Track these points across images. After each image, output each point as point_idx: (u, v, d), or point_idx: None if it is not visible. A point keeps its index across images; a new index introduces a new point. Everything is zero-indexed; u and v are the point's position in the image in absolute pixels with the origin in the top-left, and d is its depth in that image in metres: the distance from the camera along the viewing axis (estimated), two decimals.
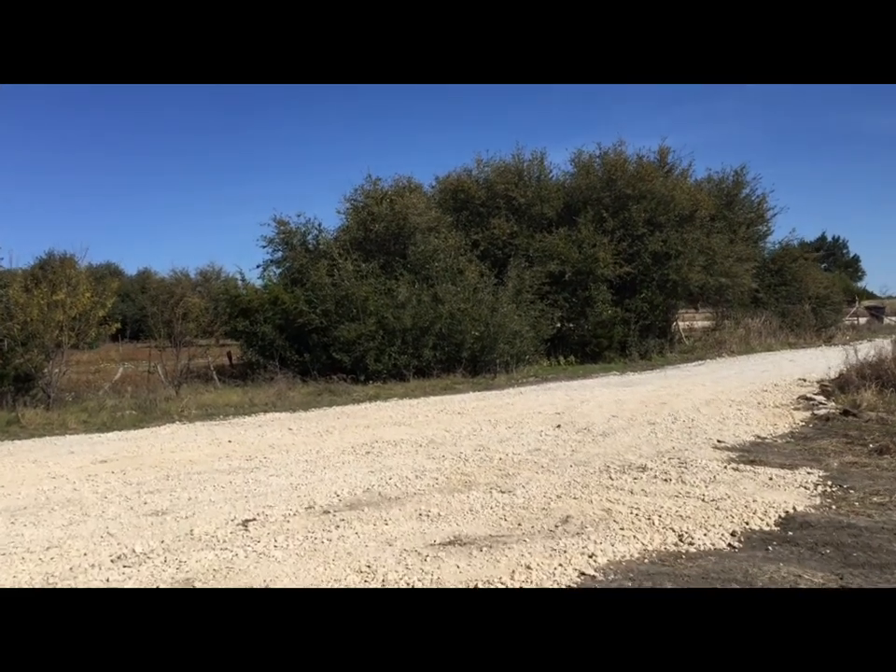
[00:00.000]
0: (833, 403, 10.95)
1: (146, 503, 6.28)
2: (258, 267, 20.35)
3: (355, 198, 20.25)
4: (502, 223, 22.43)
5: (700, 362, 21.56)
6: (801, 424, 9.53)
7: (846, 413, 9.88)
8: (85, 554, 4.86)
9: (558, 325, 20.70)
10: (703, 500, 5.62)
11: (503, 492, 6.14)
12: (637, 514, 5.27)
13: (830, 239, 68.30)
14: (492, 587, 4.03)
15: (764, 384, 14.57)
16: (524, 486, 6.31)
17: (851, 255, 71.01)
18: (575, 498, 5.79)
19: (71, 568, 4.60)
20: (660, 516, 5.19)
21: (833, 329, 28.13)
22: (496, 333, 17.89)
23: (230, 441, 9.61)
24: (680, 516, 5.18)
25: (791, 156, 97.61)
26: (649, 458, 7.41)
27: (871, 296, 46.22)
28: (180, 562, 4.62)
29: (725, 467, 6.84)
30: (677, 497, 5.76)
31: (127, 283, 50.38)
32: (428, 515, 5.52)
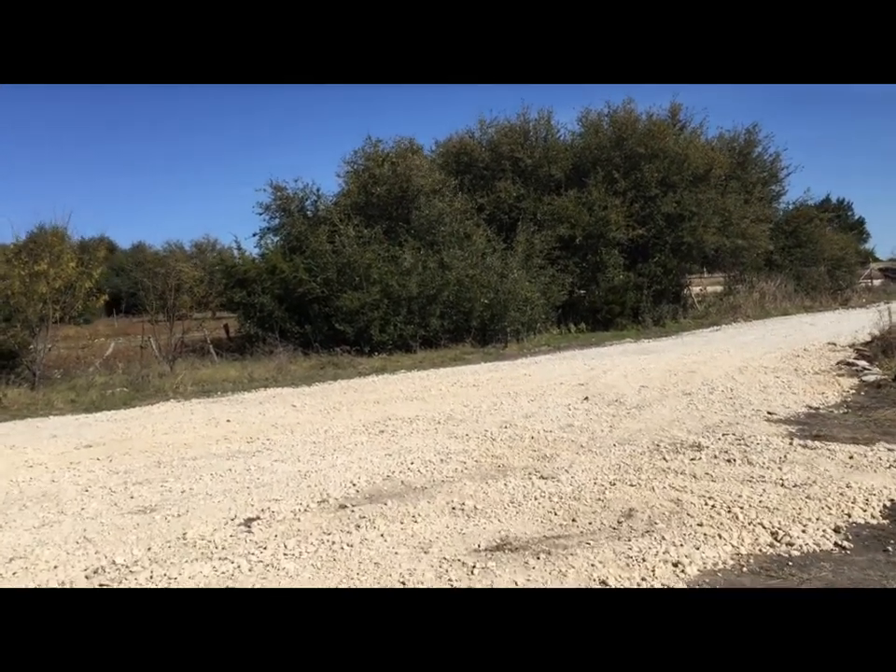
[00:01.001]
0: (879, 369, 10.13)
1: (132, 497, 5.45)
2: (254, 235, 19.42)
3: (355, 161, 19.27)
4: (508, 186, 21.46)
5: (716, 328, 20.70)
6: (851, 392, 8.70)
7: None
8: (55, 567, 4.03)
9: (569, 291, 19.78)
10: (783, 486, 4.79)
11: (545, 478, 5.31)
12: (712, 506, 4.44)
13: (834, 201, 67.18)
14: (493, 587, 3.64)
15: (793, 349, 13.72)
16: (567, 471, 5.48)
17: (856, 217, 69.89)
18: (632, 485, 4.96)
19: (36, 587, 3.78)
20: (741, 508, 4.36)
21: (849, 291, 27.25)
22: (506, 300, 17.03)
23: (228, 421, 8.78)
24: (766, 507, 4.35)
25: (794, 117, 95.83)
26: (699, 434, 6.59)
27: (876, 259, 45.31)
28: (169, 578, 3.79)
29: (791, 443, 6.01)
30: (751, 481, 4.93)
31: (121, 257, 49.36)
32: (463, 509, 4.69)
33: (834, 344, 14.10)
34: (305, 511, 4.87)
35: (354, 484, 5.45)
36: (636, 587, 3.55)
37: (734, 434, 6.47)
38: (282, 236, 19.04)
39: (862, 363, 10.66)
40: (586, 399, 9.13)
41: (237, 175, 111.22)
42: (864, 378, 9.48)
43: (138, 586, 3.73)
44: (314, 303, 16.63)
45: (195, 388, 12.33)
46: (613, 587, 3.55)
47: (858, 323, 18.85)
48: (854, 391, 8.75)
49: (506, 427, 7.46)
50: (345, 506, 4.91)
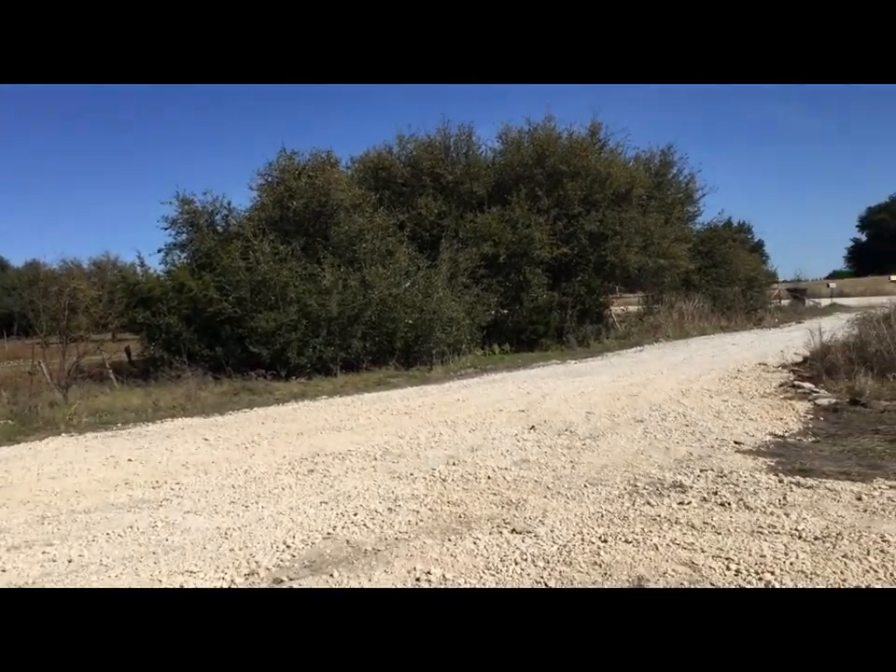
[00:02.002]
0: (826, 391, 9.78)
1: (3, 571, 4.34)
2: (159, 251, 18.01)
3: (269, 173, 18.15)
4: (429, 202, 20.76)
5: (639, 348, 20.41)
6: (809, 417, 8.24)
7: (854, 402, 8.67)
8: None
9: (494, 311, 19.13)
10: (803, 539, 4.10)
11: (519, 532, 4.48)
12: (736, 571, 3.68)
13: (735, 224, 69.38)
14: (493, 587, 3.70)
15: (726, 370, 13.40)
16: (542, 522, 4.67)
17: (756, 240, 72.33)
18: (628, 542, 4.18)
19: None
20: (773, 574, 3.63)
21: (762, 311, 27.63)
22: (431, 321, 16.23)
23: (130, 461, 7.63)
24: (802, 573, 3.63)
25: (697, 143, 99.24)
26: (673, 470, 5.90)
27: (779, 281, 46.65)
28: None
29: (780, 480, 5.37)
30: (762, 533, 4.22)
31: (13, 275, 46.36)
32: (430, 581, 3.81)
33: (766, 365, 13.86)
34: (230, 586, 3.90)
35: (288, 546, 4.49)
36: (636, 587, 3.48)
37: (712, 470, 5.81)
38: (190, 252, 17.74)
39: (808, 385, 10.30)
40: (533, 428, 8.39)
41: (142, 190, 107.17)
42: (817, 402, 9.06)
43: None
44: (225, 324, 15.43)
45: (92, 420, 11.00)
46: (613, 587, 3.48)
47: (779, 343, 18.88)
48: (811, 416, 8.29)
49: (454, 464, 6.61)
50: (281, 579, 3.96)
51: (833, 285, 41.29)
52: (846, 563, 3.69)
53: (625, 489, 5.37)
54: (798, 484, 5.22)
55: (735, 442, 6.96)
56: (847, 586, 3.45)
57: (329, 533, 4.72)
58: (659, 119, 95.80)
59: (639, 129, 75.71)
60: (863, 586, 3.45)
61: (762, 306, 28.08)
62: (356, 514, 5.10)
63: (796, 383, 10.58)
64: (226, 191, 30.81)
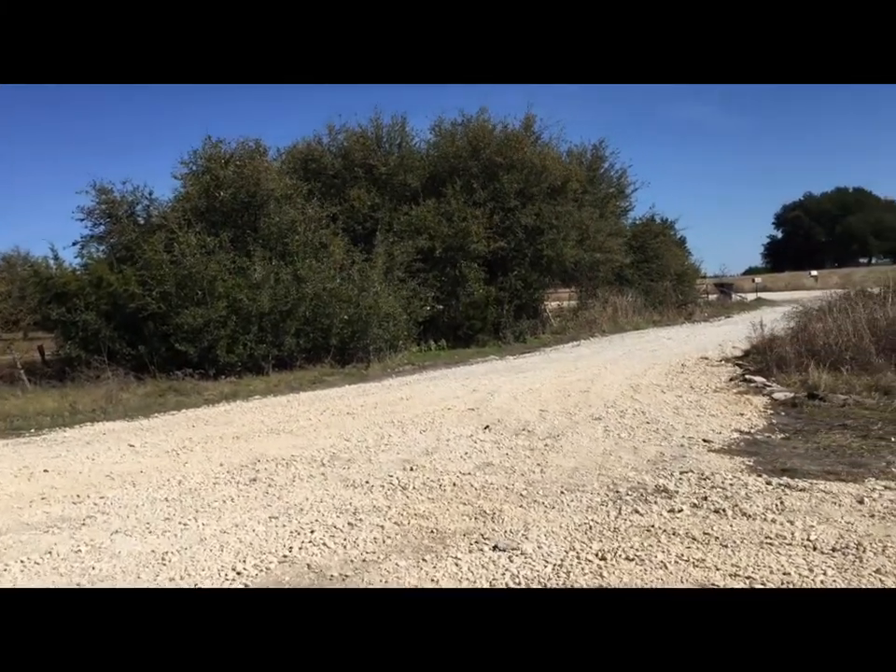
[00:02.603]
0: (779, 385, 9.61)
1: None
2: (74, 244, 16.83)
3: (194, 161, 17.15)
4: (362, 194, 20.11)
5: (576, 343, 20.22)
6: (770, 412, 8.02)
7: (812, 396, 8.49)
8: None
9: (430, 306, 18.62)
10: (819, 550, 3.71)
11: (503, 550, 3.98)
12: None
13: (658, 220, 70.61)
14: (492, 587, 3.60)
15: (670, 364, 13.24)
16: (525, 536, 4.19)
17: (679, 235, 73.73)
18: (630, 559, 3.72)
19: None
20: None
21: (692, 306, 27.89)
22: (367, 316, 15.62)
23: (46, 472, 6.85)
24: None
25: (625, 140, 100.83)
26: (650, 473, 5.51)
27: (704, 276, 47.47)
28: None
29: (769, 483, 5.02)
30: (771, 545, 3.83)
31: None
32: None
33: (708, 359, 13.76)
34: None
35: (239, 574, 3.89)
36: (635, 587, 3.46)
37: (691, 471, 5.44)
38: (108, 245, 16.63)
39: (759, 379, 10.13)
40: (487, 427, 7.93)
41: (55, 179, 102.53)
42: (774, 396, 8.86)
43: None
44: (148, 321, 14.47)
45: (1, 425, 10.07)
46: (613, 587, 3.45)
47: (714, 337, 18.95)
48: (772, 411, 8.07)
49: (411, 469, 6.09)
50: None
51: (758, 280, 42.23)
52: (881, 580, 3.32)
53: (607, 496, 4.94)
54: (789, 487, 4.88)
55: (704, 440, 6.64)
56: None
57: (284, 556, 4.13)
58: (587, 116, 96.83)
59: (570, 125, 76.25)
60: None
61: (692, 301, 28.35)
62: (312, 531, 4.52)
63: (748, 377, 10.41)
64: (147, 180, 29.34)
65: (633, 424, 7.68)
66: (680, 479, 5.23)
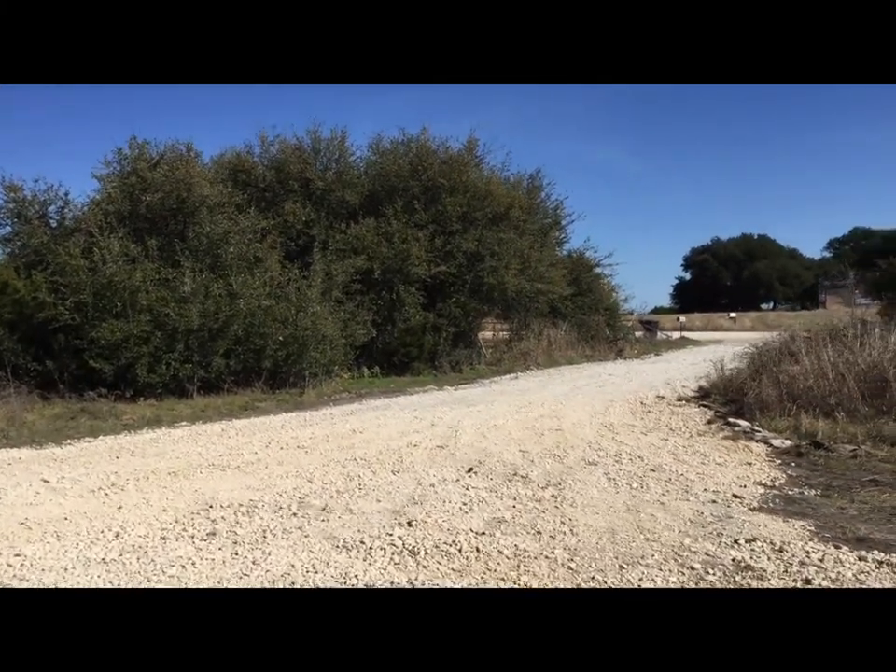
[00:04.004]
0: (767, 431, 8.99)
1: None
2: None
3: (118, 161, 15.63)
4: (297, 209, 18.90)
5: (514, 375, 19.42)
6: (778, 462, 7.33)
7: (817, 445, 7.87)
8: None
9: (371, 330, 17.48)
10: None
11: None
12: None
13: (592, 254, 71.34)
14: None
15: (628, 402, 12.60)
16: None
17: (609, 273, 74.57)
18: None
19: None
20: None
21: (623, 342, 27.64)
22: (305, 338, 14.41)
23: None
24: None
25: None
26: (705, 538, 4.65)
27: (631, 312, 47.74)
28: None
29: (862, 559, 4.22)
30: None
31: None
32: None
33: (664, 398, 13.17)
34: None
35: None
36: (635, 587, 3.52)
37: (757, 539, 4.59)
38: (15, 248, 14.91)
39: (744, 423, 9.50)
40: (471, 470, 6.97)
41: None
42: (772, 443, 8.20)
43: None
44: (59, 333, 12.87)
45: None
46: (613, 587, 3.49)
47: (655, 374, 18.61)
48: (780, 461, 7.39)
49: (409, 525, 5.06)
50: None
51: (682, 319, 42.74)
52: None
53: (682, 573, 4.03)
54: (888, 565, 4.09)
55: (735, 496, 5.84)
56: None
57: None
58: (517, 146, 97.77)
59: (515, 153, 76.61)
60: None
61: (622, 337, 28.11)
62: None
63: (731, 420, 9.75)
64: (62, 180, 27.13)
65: (635, 471, 6.85)
66: (753, 549, 4.38)
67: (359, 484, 6.44)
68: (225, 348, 13.62)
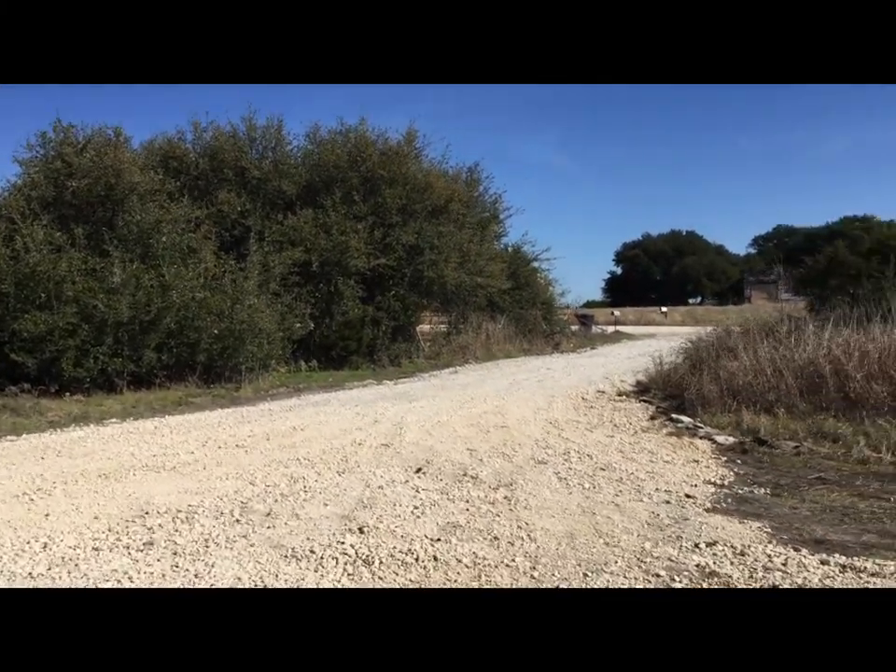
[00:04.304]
0: (710, 427, 9.04)
1: None
2: None
3: (42, 145, 14.88)
4: (232, 198, 18.37)
5: (453, 370, 19.30)
6: (724, 460, 7.35)
7: (760, 442, 7.93)
8: None
9: (309, 324, 17.08)
10: None
11: None
12: None
13: (530, 248, 71.70)
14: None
15: (570, 397, 12.58)
16: None
17: (546, 266, 75.12)
18: None
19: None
20: None
21: (559, 336, 27.78)
22: (241, 331, 13.98)
23: None
24: None
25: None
26: (666, 542, 4.57)
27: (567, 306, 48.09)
28: None
29: (824, 563, 4.17)
30: None
31: None
32: None
33: (604, 393, 13.21)
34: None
35: None
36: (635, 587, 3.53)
37: (717, 543, 4.52)
38: None
39: (687, 419, 9.54)
40: (420, 471, 6.79)
41: None
42: (716, 440, 8.24)
43: None
44: None
45: None
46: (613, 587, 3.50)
47: (593, 369, 18.70)
48: (726, 458, 7.41)
49: (361, 532, 4.84)
50: None
51: (616, 313, 43.30)
52: None
53: (648, 581, 3.91)
54: (853, 568, 4.05)
55: (687, 496, 5.79)
56: None
57: None
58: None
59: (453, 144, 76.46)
60: None
61: (560, 331, 28.25)
62: None
63: (673, 416, 9.78)
64: None
65: (586, 470, 6.77)
66: (715, 553, 4.30)
67: (304, 487, 6.19)
68: (157, 341, 13.11)
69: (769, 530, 4.84)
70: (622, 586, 3.81)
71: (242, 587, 3.67)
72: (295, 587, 3.68)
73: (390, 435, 8.74)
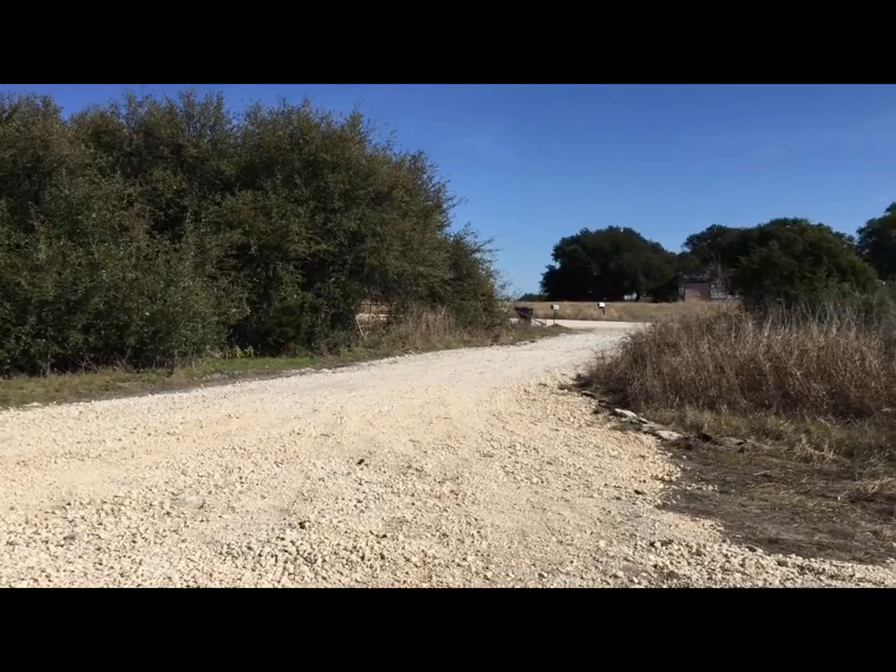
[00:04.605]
0: (654, 422, 8.99)
1: None
2: None
3: None
4: (167, 176, 17.73)
5: (393, 359, 19.03)
6: (670, 455, 7.28)
7: (704, 438, 7.90)
8: None
9: (247, 308, 16.56)
10: None
11: None
12: None
13: (472, 239, 71.54)
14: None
15: (510, 389, 12.44)
16: None
17: (488, 258, 75.13)
18: None
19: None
20: None
21: (499, 328, 27.72)
22: (175, 314, 13.45)
23: None
24: None
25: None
26: (621, 541, 4.42)
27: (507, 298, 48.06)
28: None
29: (782, 563, 4.06)
30: None
31: None
32: None
33: (546, 386, 13.11)
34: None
35: None
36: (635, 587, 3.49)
37: (672, 542, 4.38)
38: None
39: (630, 413, 9.47)
40: (362, 462, 6.54)
41: None
42: (660, 434, 8.19)
43: None
44: None
45: None
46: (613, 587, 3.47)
47: (534, 362, 18.65)
48: (671, 454, 7.34)
49: (301, 526, 4.57)
50: None
51: (556, 307, 43.50)
52: None
53: (605, 581, 3.74)
54: (811, 570, 3.96)
55: (637, 492, 5.67)
56: None
57: None
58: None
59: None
60: None
61: (500, 323, 28.19)
62: None
63: (618, 410, 9.72)
64: None
65: (532, 464, 6.61)
66: (671, 553, 4.17)
67: (240, 477, 5.88)
68: (84, 322, 12.52)
69: (722, 528, 4.74)
70: (579, 587, 3.64)
71: (240, 588, 3.53)
72: (295, 587, 3.60)
73: (330, 425, 8.46)
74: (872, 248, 61.15)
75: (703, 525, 4.81)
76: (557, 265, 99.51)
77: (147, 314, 13.15)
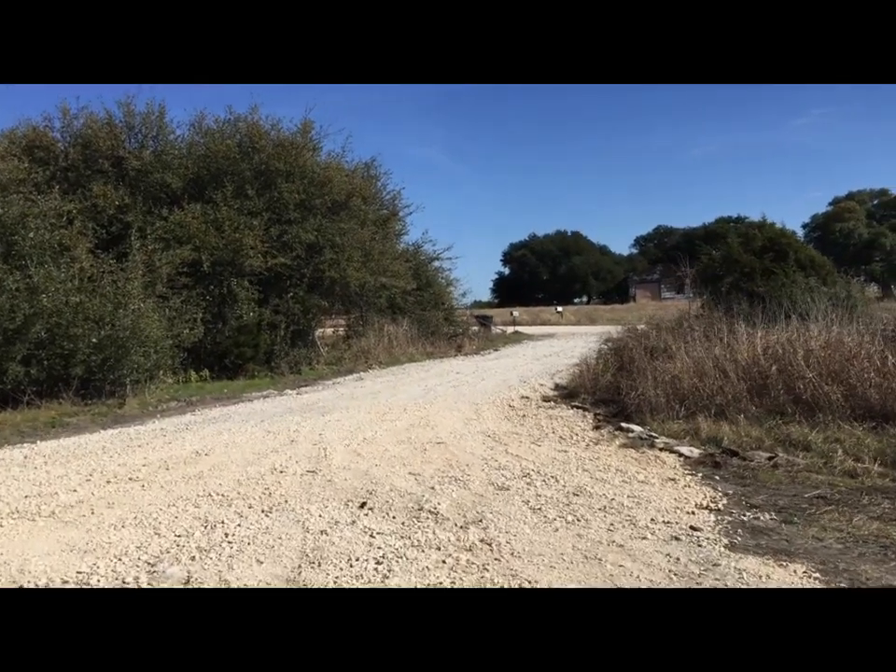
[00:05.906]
0: (665, 436, 8.28)
1: None
2: None
3: None
4: (108, 191, 16.57)
5: (358, 376, 18.08)
6: (701, 476, 6.56)
7: (731, 453, 7.22)
8: None
9: (195, 329, 15.44)
10: None
11: None
12: None
13: (431, 247, 70.64)
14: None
15: (493, 404, 11.71)
16: None
17: (448, 266, 74.30)
18: None
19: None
20: None
21: (462, 338, 26.94)
22: (125, 339, 12.33)
23: None
24: None
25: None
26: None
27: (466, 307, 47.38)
28: None
29: None
30: None
31: None
32: None
33: (528, 398, 12.38)
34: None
35: None
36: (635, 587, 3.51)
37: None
38: None
39: (637, 428, 8.75)
40: (365, 506, 5.65)
41: None
42: (679, 451, 7.48)
43: None
44: None
45: None
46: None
47: (504, 372, 17.92)
48: (701, 474, 6.63)
49: None
50: None
51: (516, 313, 42.94)
52: None
53: None
54: None
55: (692, 528, 4.92)
56: None
57: None
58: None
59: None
60: None
61: (462, 332, 27.41)
62: None
63: (623, 425, 8.98)
64: None
65: (558, 497, 5.82)
66: None
67: (226, 535, 4.96)
68: (24, 353, 11.36)
69: (818, 575, 4.00)
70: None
71: (241, 587, 2.94)
72: (294, 587, 3.64)
73: (314, 458, 7.56)
74: (817, 243, 62.04)
75: (794, 571, 4.06)
76: (507, 271, 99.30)
77: (95, 340, 12.02)
